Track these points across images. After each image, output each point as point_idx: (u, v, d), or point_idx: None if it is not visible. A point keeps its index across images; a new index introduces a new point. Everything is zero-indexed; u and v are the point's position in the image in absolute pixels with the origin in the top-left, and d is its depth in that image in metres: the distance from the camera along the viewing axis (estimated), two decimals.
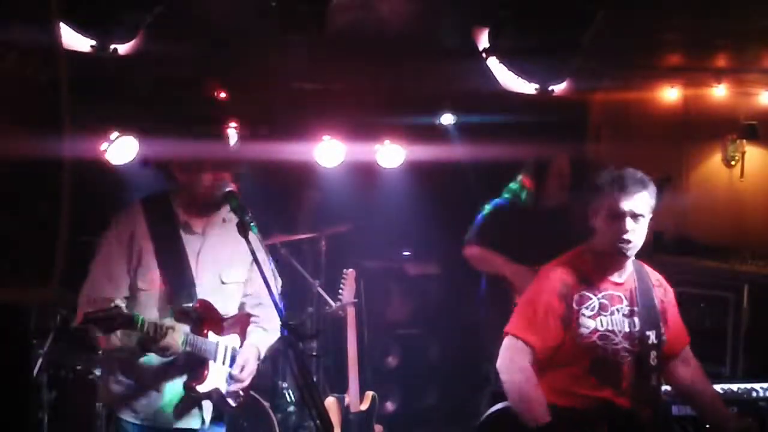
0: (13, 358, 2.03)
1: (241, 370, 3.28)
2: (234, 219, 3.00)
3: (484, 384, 5.07)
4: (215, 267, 3.29)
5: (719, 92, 5.97)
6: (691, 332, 3.51)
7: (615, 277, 3.31)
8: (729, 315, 5.46)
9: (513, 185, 5.01)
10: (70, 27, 3.71)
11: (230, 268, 3.31)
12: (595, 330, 3.21)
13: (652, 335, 3.27)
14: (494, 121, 5.44)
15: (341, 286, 4.94)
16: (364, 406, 4.85)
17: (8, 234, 1.68)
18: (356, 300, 4.98)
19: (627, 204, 3.17)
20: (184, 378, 3.20)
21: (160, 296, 3.18)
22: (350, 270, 4.99)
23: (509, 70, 4.77)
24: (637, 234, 3.19)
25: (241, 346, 3.35)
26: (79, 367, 4.58)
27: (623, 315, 3.27)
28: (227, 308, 3.35)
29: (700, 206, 6.26)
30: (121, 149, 4.91)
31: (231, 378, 3.27)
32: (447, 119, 5.86)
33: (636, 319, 3.27)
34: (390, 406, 6.00)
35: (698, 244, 6.10)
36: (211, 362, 3.22)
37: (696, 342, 3.51)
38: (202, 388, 3.19)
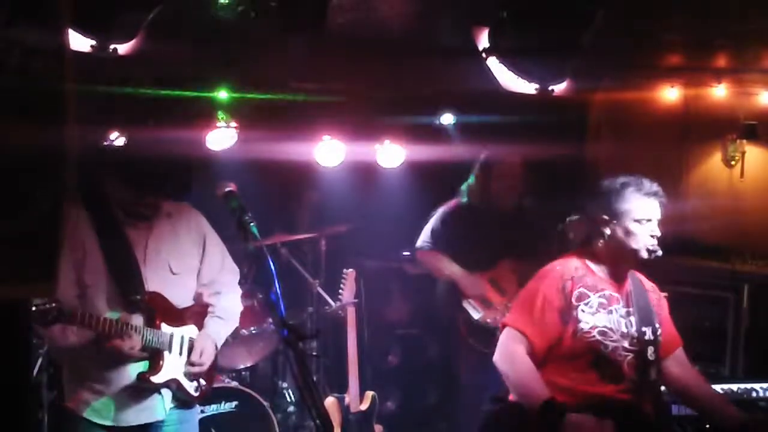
0: (13, 358, 2.03)
1: (200, 356, 3.34)
2: (178, 213, 3.16)
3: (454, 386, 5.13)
4: (164, 258, 3.31)
5: (719, 92, 5.97)
6: (691, 332, 3.52)
7: (612, 281, 3.35)
8: (729, 315, 5.46)
9: (464, 185, 5.00)
10: (70, 27, 3.70)
11: (179, 259, 3.33)
12: (595, 326, 3.24)
13: (648, 331, 3.31)
14: (494, 121, 5.44)
15: (341, 286, 4.94)
16: (364, 406, 4.85)
17: (11, 231, 1.68)
18: (356, 300, 4.99)
19: (655, 209, 3.27)
20: (139, 371, 3.22)
21: (107, 291, 3.18)
22: (350, 270, 4.99)
23: (509, 70, 4.78)
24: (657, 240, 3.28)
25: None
26: None
27: (620, 315, 3.30)
28: (181, 299, 3.38)
29: (700, 206, 6.26)
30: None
31: (191, 365, 3.32)
32: (447, 119, 5.86)
33: (632, 319, 3.30)
34: (390, 406, 5.99)
35: (698, 244, 6.10)
36: (165, 353, 3.25)
37: (696, 342, 3.52)
38: (156, 379, 3.23)
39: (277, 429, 4.66)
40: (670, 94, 6.18)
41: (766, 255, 5.70)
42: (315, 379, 4.89)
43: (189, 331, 3.38)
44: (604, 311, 3.27)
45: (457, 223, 4.90)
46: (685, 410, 3.75)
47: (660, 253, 3.28)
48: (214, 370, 3.54)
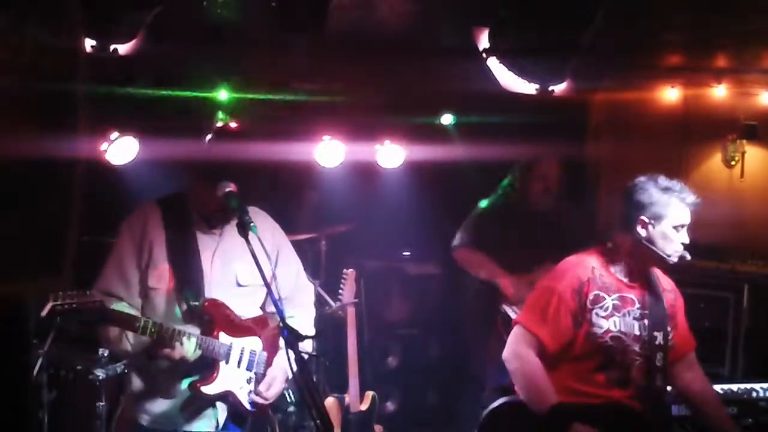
0: (13, 358, 2.03)
1: (268, 388, 3.23)
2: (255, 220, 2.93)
3: (473, 386, 5.09)
4: (231, 268, 3.22)
5: (719, 92, 5.97)
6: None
7: (630, 280, 3.34)
8: (729, 315, 5.45)
9: (504, 183, 5.01)
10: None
11: (248, 270, 3.13)
12: (608, 330, 3.24)
13: (659, 336, 3.30)
14: (494, 121, 5.44)
15: (341, 286, 4.94)
16: (364, 406, 4.85)
17: (19, 231, 1.68)
18: (356, 300, 4.98)
19: (688, 216, 3.30)
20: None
21: (169, 295, 3.13)
22: (350, 270, 4.98)
23: (509, 70, 4.78)
24: None
25: (263, 349, 3.27)
26: (79, 367, 4.57)
27: (634, 318, 3.29)
28: (246, 310, 3.27)
29: (700, 206, 6.25)
30: (121, 149, 4.90)
31: (256, 394, 3.20)
32: (447, 119, 5.86)
33: (646, 322, 3.29)
34: (390, 406, 5.99)
35: (698, 244, 6.08)
36: (221, 364, 3.15)
37: (696, 342, 3.51)
38: (208, 390, 3.13)
39: (277, 429, 4.66)
40: (670, 94, 6.18)
41: (766, 255, 5.70)
42: (315, 379, 4.89)
43: (251, 343, 3.25)
44: (618, 314, 3.26)
45: (495, 223, 4.89)
46: (684, 410, 3.76)
47: (689, 257, 3.31)
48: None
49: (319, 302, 5.40)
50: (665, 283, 3.47)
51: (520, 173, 4.94)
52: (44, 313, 2.76)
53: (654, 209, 3.26)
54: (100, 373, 4.52)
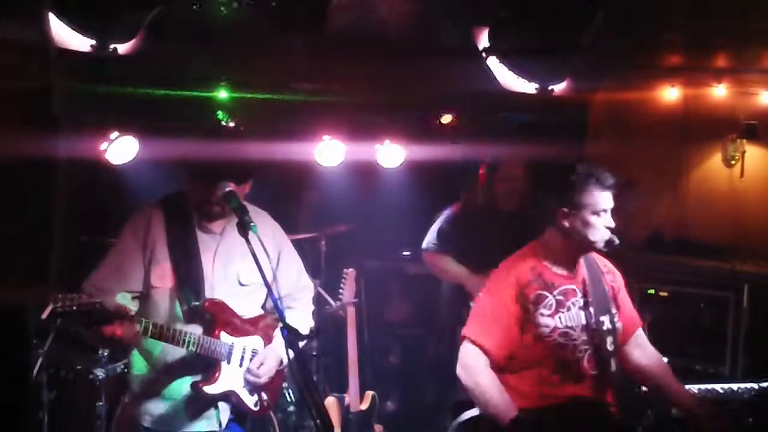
0: (13, 358, 2.03)
1: (258, 367, 3.22)
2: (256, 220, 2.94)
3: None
4: (232, 268, 3.24)
5: (719, 92, 5.97)
6: (691, 332, 3.53)
7: (568, 271, 3.34)
8: (729, 315, 5.44)
9: (468, 187, 5.02)
10: (70, 27, 3.71)
11: (250, 270, 3.13)
12: (555, 328, 3.24)
13: (606, 320, 3.31)
14: (494, 121, 5.44)
15: (341, 285, 4.94)
16: (364, 406, 4.85)
17: (3, 235, 1.67)
18: (356, 300, 4.98)
19: (610, 201, 3.25)
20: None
21: (171, 294, 3.14)
22: (350, 270, 4.99)
23: (509, 70, 4.77)
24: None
25: (265, 348, 3.29)
26: (79, 367, 4.57)
27: (579, 308, 3.30)
28: (248, 310, 3.29)
29: (700, 206, 6.25)
30: (121, 149, 4.90)
31: (248, 372, 3.21)
32: (447, 119, 5.85)
33: (591, 309, 3.30)
34: (390, 406, 5.99)
35: (698, 243, 6.09)
36: (223, 364, 3.16)
37: (696, 342, 3.52)
38: (210, 390, 3.14)
39: (277, 429, 4.66)
40: (670, 94, 6.17)
41: (766, 255, 5.70)
42: (315, 379, 4.90)
43: (253, 342, 3.27)
44: (563, 309, 3.28)
45: (462, 225, 4.90)
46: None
47: (618, 242, 3.27)
48: (279, 385, 3.44)
49: (320, 302, 5.41)
50: (602, 265, 3.48)
51: (483, 174, 4.96)
52: (44, 316, 2.77)
53: (572, 198, 3.25)
54: (100, 373, 4.52)
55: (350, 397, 4.81)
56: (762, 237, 5.83)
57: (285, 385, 5.35)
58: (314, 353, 5.33)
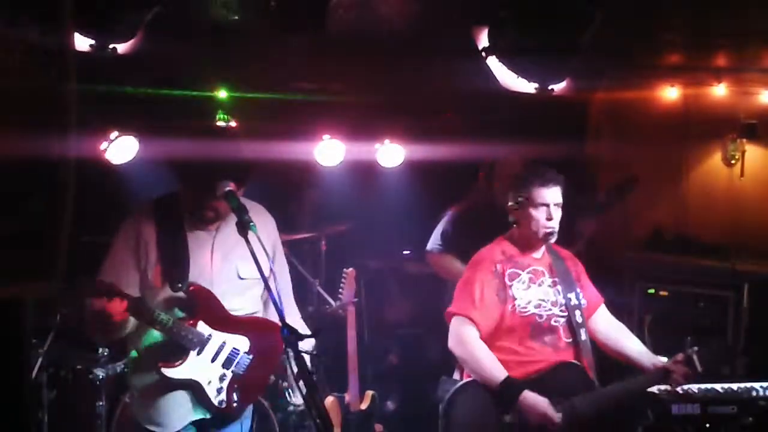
0: (13, 358, 2.03)
1: (243, 370, 3.21)
2: (252, 214, 2.93)
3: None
4: (231, 262, 3.23)
5: (719, 92, 5.98)
6: (691, 332, 3.57)
7: (535, 255, 3.70)
8: (729, 314, 5.45)
9: (472, 187, 5.04)
10: (73, 28, 3.70)
11: (248, 263, 3.01)
12: (530, 300, 3.56)
13: (573, 297, 3.64)
14: (494, 121, 5.43)
15: (341, 285, 4.94)
16: (364, 406, 4.85)
17: (9, 232, 1.68)
18: (356, 299, 4.98)
19: (549, 195, 3.58)
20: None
21: (162, 289, 3.14)
22: (350, 269, 4.98)
23: (509, 69, 4.77)
24: (557, 222, 3.60)
25: (249, 351, 3.22)
26: (79, 367, 4.58)
27: (548, 285, 3.64)
28: (245, 305, 3.27)
29: (700, 205, 6.26)
30: (121, 149, 4.90)
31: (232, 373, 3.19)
32: (446, 119, 5.85)
33: (559, 288, 3.64)
34: (390, 405, 5.99)
35: (698, 243, 6.10)
36: (192, 353, 3.11)
37: (696, 341, 3.52)
38: (169, 373, 3.09)
39: (277, 429, 4.66)
40: (670, 93, 6.18)
41: (766, 254, 5.70)
42: (315, 379, 4.89)
43: (236, 341, 3.20)
44: (535, 285, 3.61)
45: (465, 225, 4.91)
46: (684, 409, 3.77)
47: (554, 237, 3.61)
48: (260, 390, 3.42)
49: (319, 301, 5.41)
50: (563, 253, 3.83)
51: (483, 173, 4.99)
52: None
53: (517, 193, 3.63)
54: (100, 373, 4.52)
55: (350, 396, 4.81)
56: (762, 236, 5.83)
57: (285, 385, 5.35)
58: (314, 353, 5.33)
